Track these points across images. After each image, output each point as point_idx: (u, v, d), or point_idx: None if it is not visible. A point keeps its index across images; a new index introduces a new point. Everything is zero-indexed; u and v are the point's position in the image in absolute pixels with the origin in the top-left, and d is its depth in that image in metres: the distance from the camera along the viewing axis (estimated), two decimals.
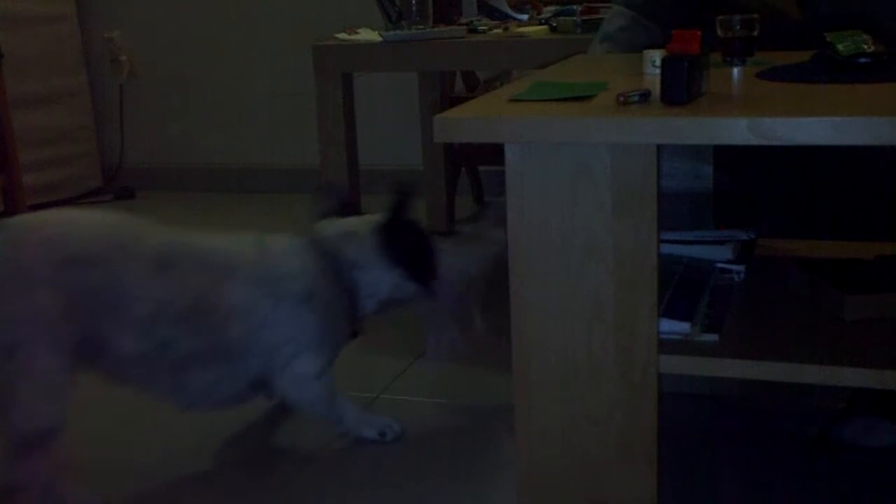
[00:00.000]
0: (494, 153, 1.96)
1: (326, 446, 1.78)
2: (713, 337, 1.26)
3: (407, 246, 1.73)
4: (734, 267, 1.48)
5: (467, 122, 1.19)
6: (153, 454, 1.80)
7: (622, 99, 1.17)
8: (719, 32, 1.43)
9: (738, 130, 1.06)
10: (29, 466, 1.48)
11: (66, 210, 1.69)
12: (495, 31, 2.53)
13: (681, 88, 1.14)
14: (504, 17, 2.70)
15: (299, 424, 1.86)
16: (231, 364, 1.64)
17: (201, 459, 1.77)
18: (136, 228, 1.62)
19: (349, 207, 1.84)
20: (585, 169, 1.16)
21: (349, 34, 2.61)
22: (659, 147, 1.14)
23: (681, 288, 1.37)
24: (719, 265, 1.48)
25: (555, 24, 2.42)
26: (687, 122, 1.09)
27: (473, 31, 2.54)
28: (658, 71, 1.18)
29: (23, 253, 1.50)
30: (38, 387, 1.48)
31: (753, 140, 1.06)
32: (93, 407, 1.78)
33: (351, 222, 1.77)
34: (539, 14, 2.67)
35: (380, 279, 1.74)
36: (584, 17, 2.41)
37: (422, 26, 2.50)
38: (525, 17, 2.68)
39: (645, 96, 1.18)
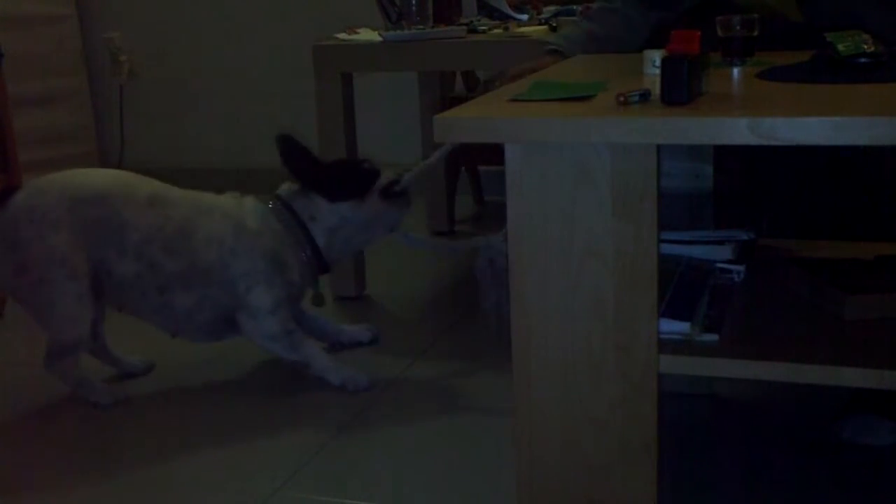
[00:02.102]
0: (494, 153, 1.96)
1: (325, 445, 1.78)
2: (713, 337, 1.26)
3: (313, 173, 2.03)
4: (734, 267, 1.48)
5: (467, 122, 1.19)
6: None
7: (622, 99, 1.17)
8: (719, 32, 1.43)
9: (738, 130, 1.06)
10: (63, 366, 1.93)
11: (77, 169, 2.00)
12: (495, 31, 2.53)
13: (681, 88, 1.14)
14: (504, 17, 2.69)
15: (299, 423, 1.87)
16: (206, 289, 1.93)
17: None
18: (134, 178, 1.96)
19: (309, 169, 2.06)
20: (585, 169, 1.16)
21: (349, 34, 2.61)
22: (659, 147, 1.14)
23: (681, 288, 1.37)
24: (719, 265, 1.48)
25: (555, 24, 2.42)
26: (687, 122, 1.09)
27: (473, 31, 2.53)
28: (658, 71, 1.18)
29: (42, 199, 1.86)
30: (64, 310, 1.87)
31: (753, 140, 1.06)
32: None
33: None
34: (539, 14, 2.67)
35: (319, 210, 2.02)
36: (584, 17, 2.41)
37: (422, 26, 2.50)
38: (525, 17, 2.67)
39: (645, 96, 1.18)
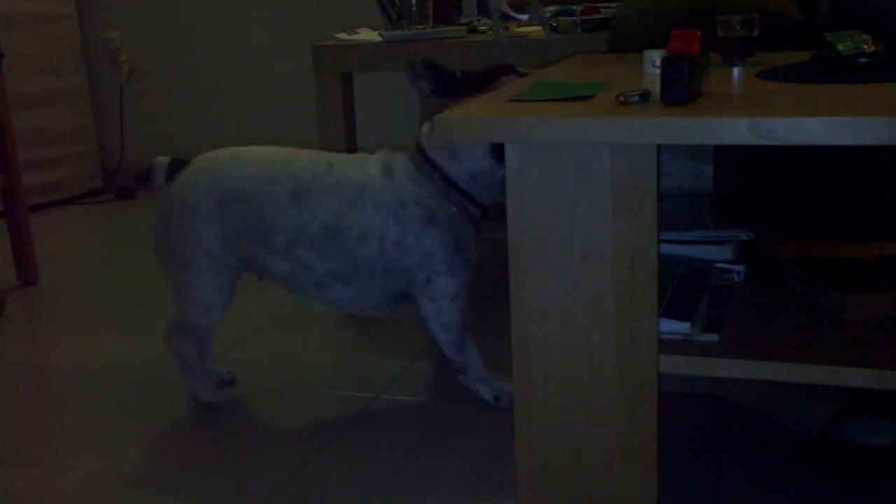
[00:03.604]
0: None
1: (325, 445, 1.78)
2: (713, 337, 1.26)
3: (462, 86, 1.84)
4: (734, 267, 1.48)
5: (467, 122, 1.19)
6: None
7: (622, 99, 1.17)
8: (719, 32, 1.43)
9: (738, 130, 1.06)
10: (181, 343, 1.90)
11: (234, 149, 1.91)
12: None
13: (681, 88, 1.14)
14: (504, 18, 2.69)
15: (299, 423, 1.87)
16: (372, 281, 1.82)
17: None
18: (280, 166, 1.83)
19: (450, 84, 1.89)
20: (585, 169, 1.16)
21: (349, 34, 2.61)
22: (659, 147, 1.14)
23: (681, 288, 1.37)
24: (719, 265, 1.48)
25: (555, 24, 2.42)
26: (687, 122, 1.09)
27: (473, 31, 2.54)
28: (658, 71, 1.18)
29: (191, 193, 1.82)
30: (197, 297, 1.85)
31: (753, 140, 1.06)
32: None
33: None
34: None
35: (489, 173, 1.81)
36: (584, 17, 2.41)
37: (422, 26, 2.50)
38: (525, 17, 2.67)
39: (645, 96, 1.18)
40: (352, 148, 2.53)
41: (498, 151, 1.77)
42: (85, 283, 2.89)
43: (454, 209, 1.81)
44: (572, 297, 1.21)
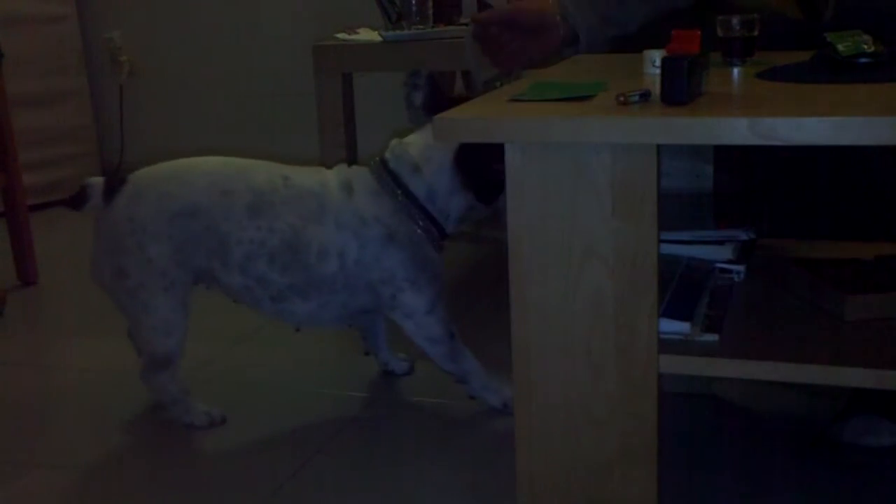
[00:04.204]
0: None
1: (325, 445, 1.78)
2: (713, 337, 1.26)
3: (480, 171, 1.76)
4: (734, 267, 1.48)
5: (467, 122, 1.19)
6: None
7: (622, 99, 1.17)
8: (719, 32, 1.43)
9: (738, 130, 1.06)
10: (159, 382, 1.82)
11: (177, 162, 1.85)
12: None
13: (681, 88, 1.14)
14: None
15: (299, 423, 1.87)
16: (334, 295, 1.78)
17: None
18: (235, 178, 1.78)
19: (440, 103, 1.80)
20: (585, 169, 1.16)
21: (349, 34, 2.61)
22: (659, 147, 1.14)
23: (681, 288, 1.37)
24: (719, 265, 1.48)
25: None
26: (687, 122, 1.09)
27: None
28: (658, 71, 1.18)
29: (140, 209, 1.75)
30: (156, 322, 1.78)
31: (753, 140, 1.06)
32: None
33: (418, 145, 1.82)
34: None
35: (455, 205, 1.81)
36: None
37: (422, 26, 2.50)
38: None
39: (645, 96, 1.18)
40: (352, 148, 2.53)
41: (465, 178, 1.78)
42: (85, 283, 2.87)
43: (415, 226, 1.78)
44: (572, 297, 1.21)
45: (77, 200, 1.79)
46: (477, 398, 1.85)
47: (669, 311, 1.27)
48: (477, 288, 1.94)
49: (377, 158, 1.83)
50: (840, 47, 1.30)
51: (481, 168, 1.74)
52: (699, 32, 1.19)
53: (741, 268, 1.48)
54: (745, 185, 1.80)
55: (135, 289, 1.76)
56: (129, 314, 1.82)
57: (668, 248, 1.42)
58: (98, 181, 1.78)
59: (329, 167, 1.87)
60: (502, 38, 1.69)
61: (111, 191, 1.77)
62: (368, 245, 1.75)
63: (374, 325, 1.99)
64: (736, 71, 1.42)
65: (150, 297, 1.76)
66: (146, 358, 1.82)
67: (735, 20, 1.42)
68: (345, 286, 1.77)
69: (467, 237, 3.08)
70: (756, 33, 1.43)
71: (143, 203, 1.75)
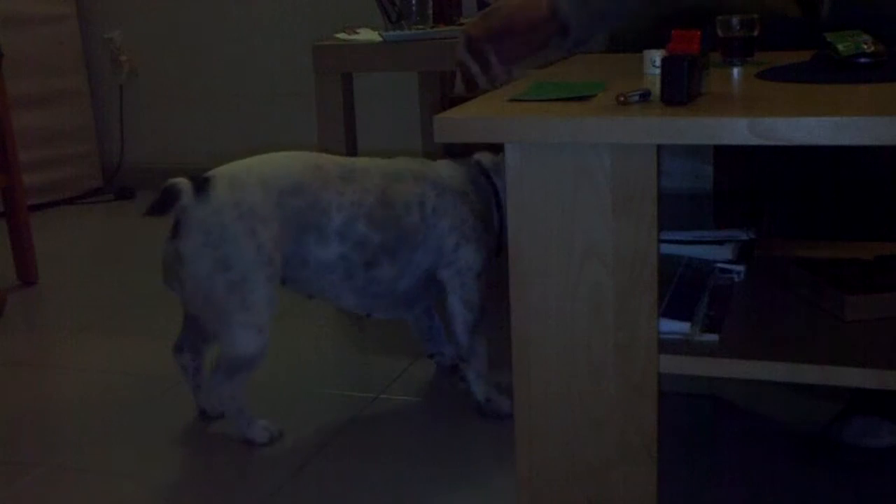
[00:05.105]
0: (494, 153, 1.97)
1: (325, 445, 1.78)
2: (713, 337, 1.26)
3: None
4: (734, 267, 1.48)
5: (467, 122, 1.19)
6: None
7: (622, 99, 1.17)
8: (719, 32, 1.43)
9: (738, 130, 1.06)
10: (231, 387, 1.76)
11: (254, 158, 1.85)
12: None
13: (681, 88, 1.14)
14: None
15: (299, 423, 1.87)
16: (411, 254, 1.84)
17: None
18: (316, 156, 1.87)
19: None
20: (585, 169, 1.16)
21: (349, 34, 2.61)
22: (659, 147, 1.14)
23: (681, 288, 1.37)
24: (719, 265, 1.48)
25: None
26: (687, 122, 1.09)
27: None
28: (658, 71, 1.18)
29: (246, 194, 1.72)
30: (253, 318, 1.73)
31: (753, 140, 1.06)
32: None
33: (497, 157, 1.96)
34: None
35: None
36: None
37: (422, 26, 2.50)
38: None
39: (645, 96, 1.18)
40: (352, 148, 2.53)
41: None
42: (85, 283, 2.89)
43: (486, 192, 1.90)
44: (572, 298, 1.21)
45: (165, 202, 1.71)
46: (466, 382, 1.87)
47: (669, 311, 1.27)
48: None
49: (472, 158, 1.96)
50: (840, 47, 1.30)
51: None
52: (699, 32, 1.19)
53: (741, 268, 1.48)
54: (745, 185, 1.80)
55: (238, 282, 1.70)
56: (221, 313, 1.73)
57: (668, 248, 1.42)
58: (182, 180, 1.71)
59: (373, 153, 2.00)
60: (494, 48, 1.71)
61: (202, 185, 1.72)
62: (445, 194, 1.85)
63: (431, 320, 2.05)
64: (736, 71, 1.42)
65: (251, 291, 1.71)
66: (227, 361, 1.75)
67: (735, 20, 1.42)
68: (424, 240, 1.84)
69: None
70: (756, 33, 1.43)
71: (248, 188, 1.73)
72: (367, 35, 2.59)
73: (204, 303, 1.74)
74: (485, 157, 1.95)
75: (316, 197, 1.77)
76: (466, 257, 1.85)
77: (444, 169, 1.90)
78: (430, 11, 2.53)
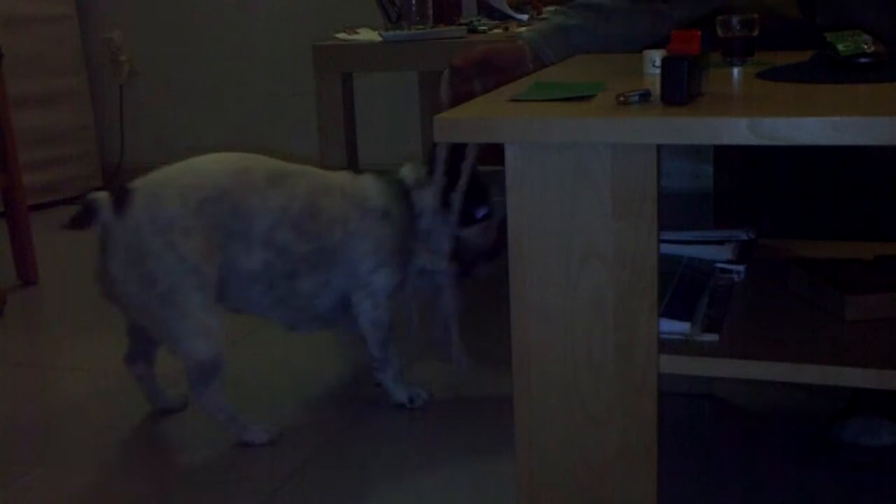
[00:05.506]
0: (494, 153, 1.97)
1: (325, 445, 1.78)
2: (713, 337, 1.26)
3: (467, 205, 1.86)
4: (734, 267, 1.48)
5: (467, 122, 1.19)
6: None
7: (622, 99, 1.17)
8: (719, 32, 1.43)
9: (738, 130, 1.06)
10: (213, 398, 1.77)
11: (178, 164, 1.84)
12: (495, 31, 2.53)
13: (681, 88, 1.14)
14: (504, 17, 2.70)
15: (299, 423, 1.87)
16: (329, 272, 1.85)
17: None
18: (243, 158, 1.85)
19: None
20: (585, 169, 1.16)
21: (349, 34, 2.61)
22: (659, 147, 1.14)
23: (681, 288, 1.37)
24: (719, 265, 1.48)
25: None
26: (687, 122, 1.09)
27: (473, 31, 2.54)
28: (658, 71, 1.18)
29: (163, 208, 1.71)
30: (195, 325, 1.73)
31: (753, 140, 1.06)
32: None
33: (421, 171, 1.94)
34: (539, 14, 2.67)
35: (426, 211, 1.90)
36: None
37: (422, 26, 2.50)
38: (525, 17, 2.68)
39: (645, 96, 1.18)
40: (352, 148, 2.53)
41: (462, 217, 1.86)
42: (85, 283, 2.88)
43: (408, 212, 1.88)
44: (572, 297, 1.21)
45: (84, 218, 1.71)
46: (384, 388, 1.93)
47: (669, 311, 1.27)
48: (477, 288, 1.94)
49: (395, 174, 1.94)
50: (840, 47, 1.30)
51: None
52: (699, 32, 1.19)
53: (741, 268, 1.48)
54: (745, 185, 1.80)
55: (167, 294, 1.70)
56: (162, 326, 1.74)
57: (668, 248, 1.42)
58: (101, 195, 1.72)
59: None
60: (476, 82, 1.75)
61: (120, 201, 1.71)
62: (367, 216, 1.85)
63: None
64: (736, 71, 1.42)
65: (184, 300, 1.70)
66: (193, 371, 1.75)
67: (735, 20, 1.42)
68: (342, 260, 1.84)
69: None
70: (756, 33, 1.43)
71: (165, 201, 1.71)
72: (367, 35, 2.59)
73: (144, 317, 1.76)
74: (409, 173, 1.93)
75: (239, 203, 1.76)
76: (380, 281, 1.87)
77: (371, 187, 1.89)
78: (430, 11, 2.53)
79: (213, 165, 1.81)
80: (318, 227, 1.82)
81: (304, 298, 1.85)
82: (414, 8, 2.50)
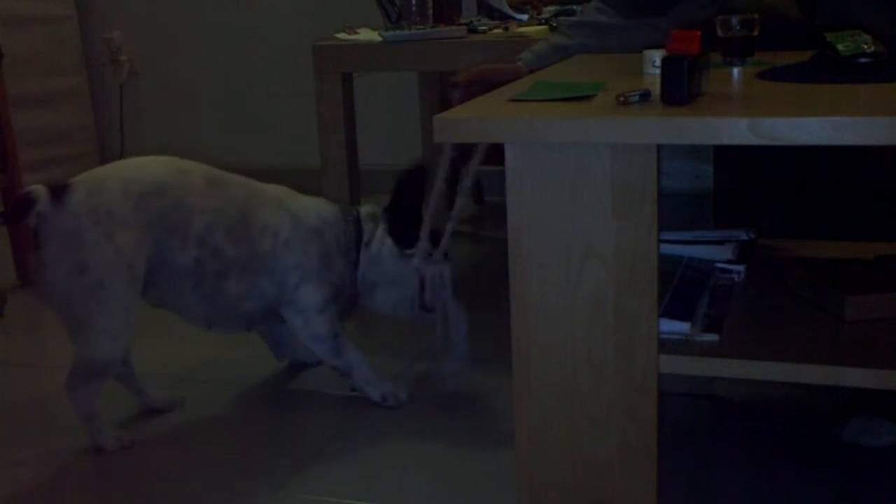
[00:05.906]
0: (494, 153, 1.97)
1: (325, 446, 1.78)
2: (713, 337, 1.26)
3: (409, 233, 1.90)
4: (734, 267, 1.48)
5: (467, 122, 1.19)
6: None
7: (622, 99, 1.17)
8: (719, 32, 1.43)
9: (738, 130, 1.06)
10: (86, 391, 1.76)
11: (125, 160, 1.92)
12: (495, 31, 2.53)
13: (681, 88, 1.14)
14: (504, 17, 2.70)
15: (299, 424, 1.87)
16: (257, 278, 1.86)
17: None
18: (182, 162, 1.87)
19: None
20: (585, 169, 1.16)
21: (349, 34, 2.61)
22: (659, 147, 1.14)
23: (681, 288, 1.37)
24: (719, 265, 1.48)
25: (555, 24, 2.42)
26: (687, 122, 1.09)
27: (473, 31, 2.53)
28: (658, 71, 1.18)
29: (103, 198, 1.72)
30: (108, 324, 1.72)
31: (753, 140, 1.06)
32: None
33: (378, 210, 2.01)
34: (539, 14, 2.67)
35: (378, 254, 1.96)
36: None
37: (422, 26, 2.50)
38: (525, 17, 2.68)
39: (645, 96, 1.18)
40: (352, 148, 2.53)
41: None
42: None
43: (341, 231, 1.93)
44: (572, 297, 1.21)
45: (20, 210, 1.72)
46: (358, 391, 1.94)
47: (669, 311, 1.27)
48: (477, 288, 1.94)
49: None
50: (840, 47, 1.30)
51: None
52: (699, 32, 1.19)
53: (741, 268, 1.48)
54: (745, 185, 1.80)
55: (94, 287, 1.69)
56: (76, 318, 1.73)
57: (668, 248, 1.42)
58: (38, 188, 1.71)
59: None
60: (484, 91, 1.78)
61: (59, 192, 1.71)
62: (298, 229, 1.89)
63: (276, 328, 2.05)
64: (736, 71, 1.42)
65: (108, 296, 1.70)
66: (81, 365, 1.75)
67: (735, 20, 1.42)
68: (271, 270, 1.87)
69: (468, 237, 3.08)
70: (756, 33, 1.43)
71: (106, 192, 1.73)
72: (367, 35, 2.59)
73: (61, 308, 1.73)
74: (366, 208, 2.00)
75: (179, 199, 1.78)
76: (306, 297, 1.89)
77: (310, 206, 1.94)
78: (430, 11, 2.53)
79: (154, 164, 1.85)
80: (251, 234, 1.85)
81: (230, 299, 1.86)
82: (414, 8, 2.50)
